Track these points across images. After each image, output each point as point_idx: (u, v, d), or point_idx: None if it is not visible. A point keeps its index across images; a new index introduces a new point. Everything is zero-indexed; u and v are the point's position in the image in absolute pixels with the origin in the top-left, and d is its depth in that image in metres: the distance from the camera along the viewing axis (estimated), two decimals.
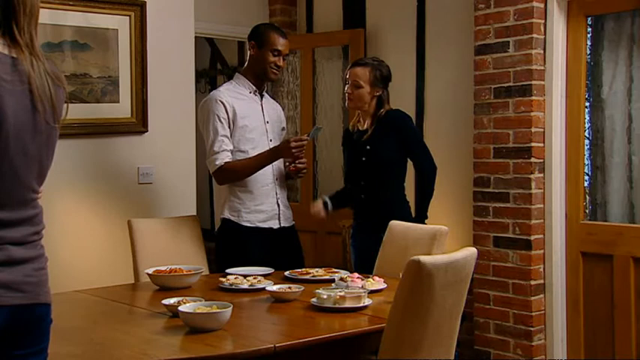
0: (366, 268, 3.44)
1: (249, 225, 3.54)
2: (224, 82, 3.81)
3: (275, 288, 2.85)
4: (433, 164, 3.71)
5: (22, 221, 1.67)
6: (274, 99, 4.09)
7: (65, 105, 1.77)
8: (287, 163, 3.67)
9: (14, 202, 1.65)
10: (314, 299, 2.67)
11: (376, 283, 2.96)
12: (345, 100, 3.85)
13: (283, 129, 3.82)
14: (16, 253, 1.63)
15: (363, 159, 3.73)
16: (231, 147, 3.51)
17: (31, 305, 1.66)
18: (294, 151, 3.45)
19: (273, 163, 3.58)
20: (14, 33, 1.65)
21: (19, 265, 1.64)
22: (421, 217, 3.67)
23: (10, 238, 1.63)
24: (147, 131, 3.97)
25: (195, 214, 3.99)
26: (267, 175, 3.58)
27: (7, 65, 1.62)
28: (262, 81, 3.67)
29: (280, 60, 3.59)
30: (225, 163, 3.47)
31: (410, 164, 3.79)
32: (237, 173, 3.51)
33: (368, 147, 3.71)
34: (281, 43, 3.57)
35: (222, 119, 3.49)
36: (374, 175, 3.74)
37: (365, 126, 3.77)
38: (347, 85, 3.76)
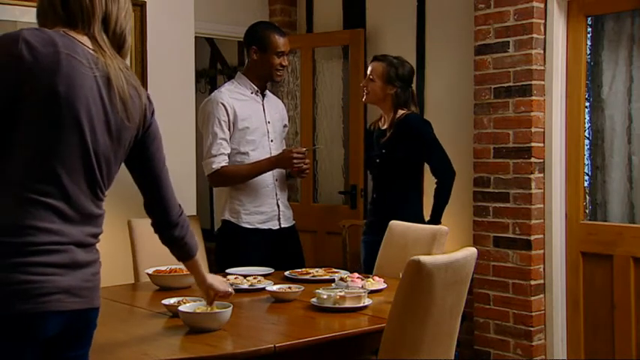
0: (373, 266, 3.45)
1: (248, 226, 3.55)
2: (224, 82, 3.81)
3: (275, 288, 2.85)
4: (450, 170, 3.70)
5: (85, 219, 1.69)
6: (275, 95, 4.09)
7: (147, 112, 1.84)
8: None
9: (82, 200, 1.68)
10: (314, 299, 2.67)
11: (376, 283, 2.96)
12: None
13: (285, 126, 3.82)
14: (79, 256, 1.66)
15: (377, 160, 3.75)
16: (229, 150, 3.51)
17: (87, 310, 1.69)
18: (295, 161, 3.47)
19: None
20: (94, 33, 1.73)
21: (81, 268, 1.66)
22: (434, 222, 3.65)
23: (73, 238, 1.65)
24: None
25: (195, 214, 3.99)
26: (267, 176, 3.58)
27: (88, 54, 1.68)
28: (265, 82, 3.67)
29: (285, 60, 3.60)
30: (222, 167, 3.48)
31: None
32: (232, 179, 3.53)
33: (383, 150, 3.73)
34: (282, 43, 3.58)
35: (222, 122, 3.49)
36: (385, 177, 3.76)
37: (385, 126, 3.79)
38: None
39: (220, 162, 3.48)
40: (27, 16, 3.40)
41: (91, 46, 1.71)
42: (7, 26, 3.37)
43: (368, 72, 3.81)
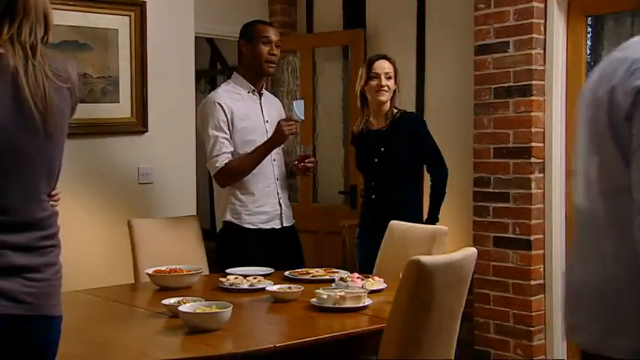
0: (370, 267, 3.44)
1: (251, 227, 3.53)
2: (224, 82, 3.81)
3: (275, 288, 2.85)
4: (445, 168, 3.74)
5: (28, 225, 1.60)
6: (275, 95, 4.08)
7: (71, 104, 1.74)
8: (295, 162, 3.66)
9: (16, 205, 1.59)
10: (314, 299, 2.67)
11: (376, 283, 2.96)
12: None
13: None
14: (17, 260, 1.57)
15: (376, 160, 3.74)
16: (232, 149, 3.49)
17: (31, 317, 1.58)
18: (285, 129, 3.42)
19: (274, 164, 3.58)
20: (3, 30, 1.61)
21: (19, 272, 1.57)
22: (432, 220, 3.66)
23: (12, 244, 1.56)
24: (147, 131, 3.96)
25: (195, 214, 3.99)
26: (268, 175, 3.57)
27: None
28: (260, 78, 3.66)
29: (273, 48, 3.55)
30: (226, 164, 3.46)
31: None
32: (239, 171, 3.48)
33: (382, 149, 3.72)
34: (268, 30, 3.55)
35: (221, 122, 3.48)
36: (385, 176, 3.74)
37: (377, 126, 3.78)
38: (374, 80, 3.71)
39: (224, 160, 3.45)
40: None
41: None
42: None
43: (383, 71, 3.72)
